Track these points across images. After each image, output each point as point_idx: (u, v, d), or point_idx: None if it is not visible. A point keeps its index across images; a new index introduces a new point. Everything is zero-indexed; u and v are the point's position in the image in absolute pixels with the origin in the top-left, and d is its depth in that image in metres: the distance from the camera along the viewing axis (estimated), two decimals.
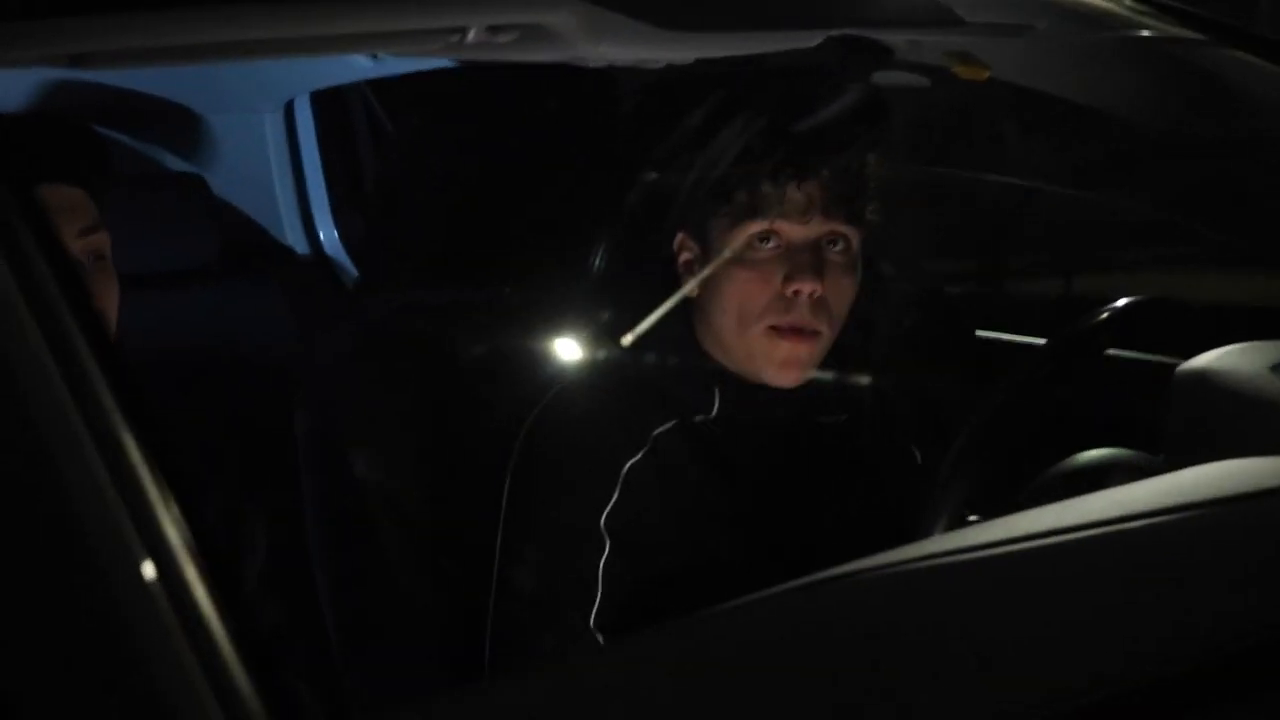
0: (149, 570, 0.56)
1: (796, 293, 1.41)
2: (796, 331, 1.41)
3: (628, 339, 1.50)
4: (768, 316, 1.42)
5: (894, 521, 1.47)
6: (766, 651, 0.78)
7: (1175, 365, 1.24)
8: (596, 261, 1.76)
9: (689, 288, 1.48)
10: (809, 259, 1.41)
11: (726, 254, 1.42)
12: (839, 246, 1.43)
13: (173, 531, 0.57)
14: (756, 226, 1.41)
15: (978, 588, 0.79)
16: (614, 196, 1.71)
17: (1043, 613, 0.78)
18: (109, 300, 1.30)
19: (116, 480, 0.56)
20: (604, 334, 1.55)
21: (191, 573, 0.57)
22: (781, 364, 1.43)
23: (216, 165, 2.27)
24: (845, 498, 1.49)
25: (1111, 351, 1.13)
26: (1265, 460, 0.90)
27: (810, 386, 1.47)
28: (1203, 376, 1.00)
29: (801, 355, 1.43)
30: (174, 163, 2.29)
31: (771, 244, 1.42)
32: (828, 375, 1.49)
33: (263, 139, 2.26)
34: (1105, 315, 1.10)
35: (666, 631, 0.82)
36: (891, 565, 0.84)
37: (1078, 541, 0.80)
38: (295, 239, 2.29)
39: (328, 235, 2.30)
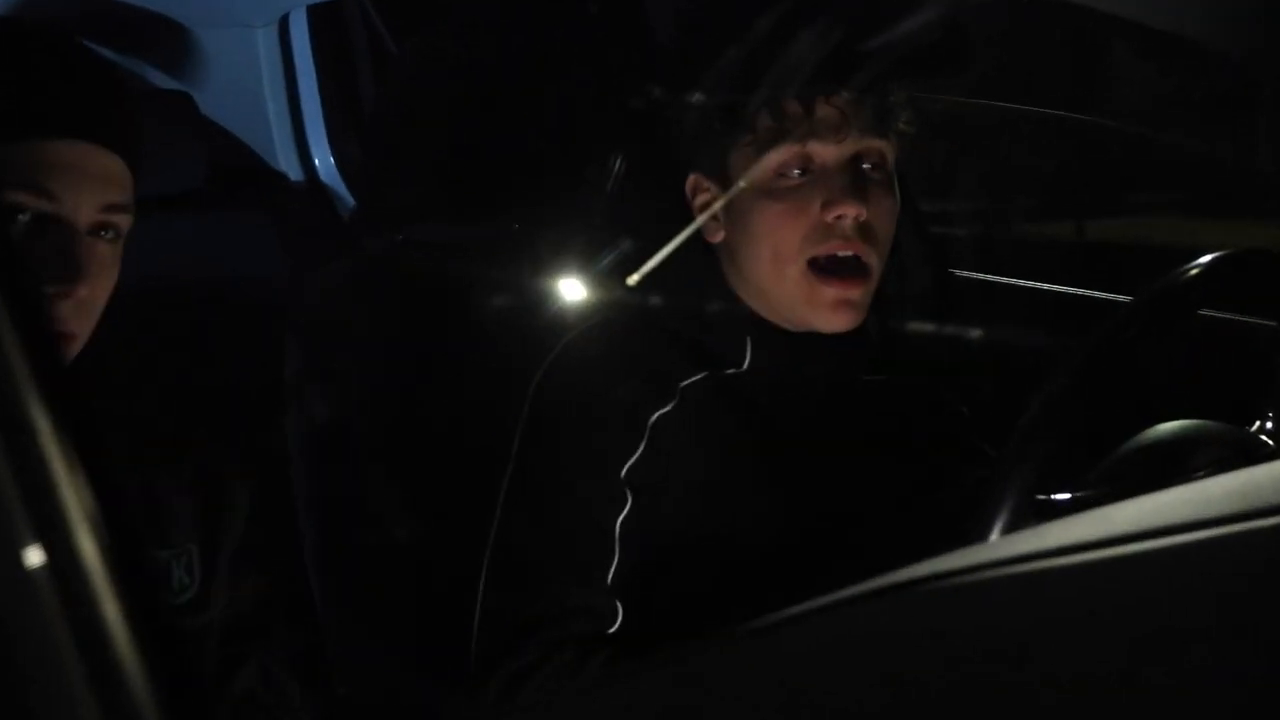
0: (34, 556, 0.44)
1: (839, 218, 1.26)
2: (843, 265, 1.27)
3: (634, 278, 1.37)
4: (806, 249, 1.28)
5: (945, 492, 1.35)
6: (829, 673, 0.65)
7: (1271, 326, 1.11)
8: (615, 198, 1.62)
9: (701, 220, 1.34)
10: (848, 179, 1.27)
11: (742, 184, 1.28)
12: (875, 165, 1.29)
13: (74, 507, 0.44)
14: (788, 152, 1.27)
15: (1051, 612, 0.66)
16: (637, 127, 1.57)
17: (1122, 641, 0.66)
18: (102, 284, 1.12)
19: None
20: (624, 276, 1.41)
21: (90, 556, 0.44)
22: (833, 306, 1.29)
23: (205, 83, 2.11)
24: (891, 465, 1.36)
25: (1203, 311, 1.00)
26: None
27: (851, 338, 1.34)
28: None
29: (854, 295, 1.28)
30: (160, 80, 2.14)
31: (802, 169, 1.28)
32: (867, 324, 1.36)
33: (255, 56, 2.11)
34: (1198, 269, 0.96)
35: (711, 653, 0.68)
36: (957, 574, 0.71)
37: (1162, 552, 0.67)
38: (288, 165, 2.13)
39: (323, 162, 2.14)
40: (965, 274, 1.77)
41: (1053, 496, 0.99)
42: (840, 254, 1.27)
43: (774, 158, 1.28)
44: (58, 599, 0.45)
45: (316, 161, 2.15)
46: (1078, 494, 0.99)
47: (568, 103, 1.78)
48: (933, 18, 1.28)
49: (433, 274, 1.72)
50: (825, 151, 1.27)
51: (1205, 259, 0.97)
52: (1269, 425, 1.07)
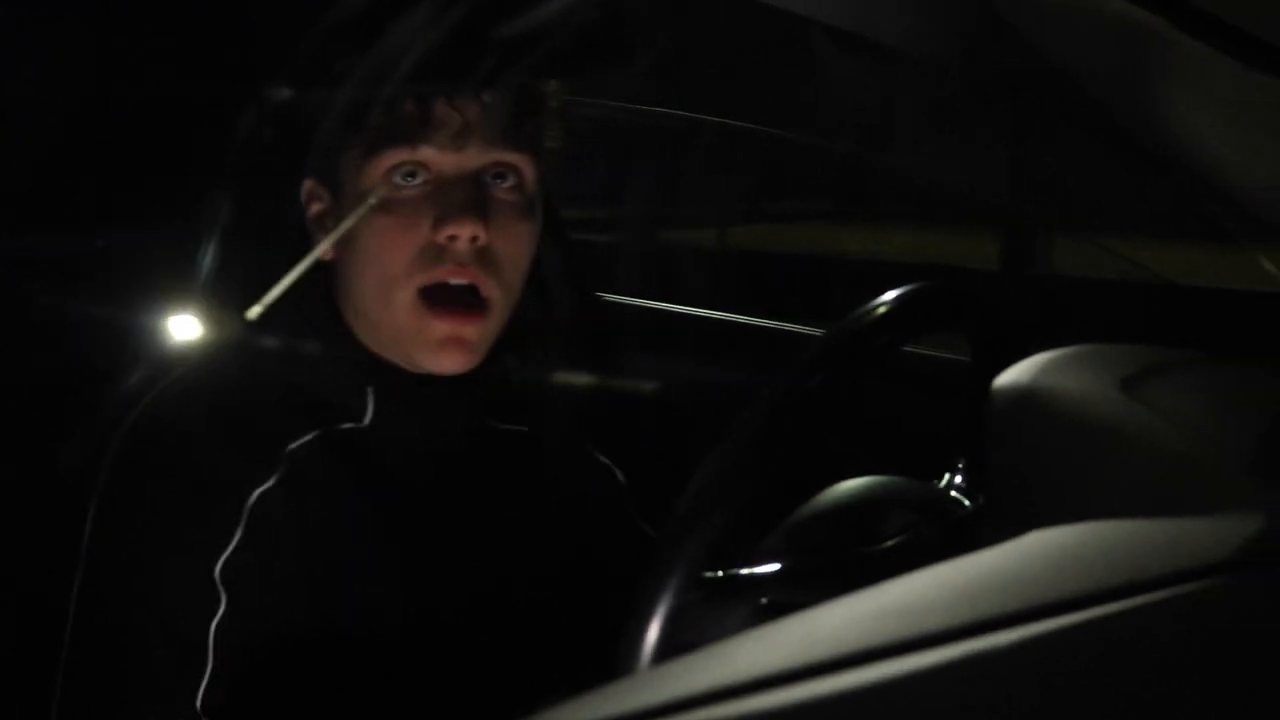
0: None
1: (452, 238, 1.07)
2: (455, 296, 1.08)
3: (253, 312, 1.13)
4: (416, 275, 1.07)
5: (598, 567, 1.18)
6: None
7: (959, 361, 0.99)
8: (221, 211, 1.38)
9: (321, 249, 1.11)
10: (466, 195, 1.07)
11: (372, 201, 1.08)
12: (508, 182, 1.10)
13: None
14: (395, 157, 1.07)
15: None
16: (247, 125, 1.34)
17: None
18: None
19: None
20: (228, 309, 1.18)
21: None
22: (440, 344, 1.09)
23: None
24: (534, 533, 1.17)
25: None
26: (1110, 527, 0.65)
27: (484, 378, 1.14)
28: (1028, 395, 0.73)
29: (467, 332, 1.09)
30: None
31: (419, 180, 1.08)
32: (505, 364, 1.17)
33: None
34: (888, 306, 0.82)
35: None
36: None
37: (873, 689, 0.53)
38: None
39: None
40: (613, 298, 1.60)
41: (721, 573, 0.83)
42: (452, 282, 1.08)
43: (382, 162, 1.08)
44: None
45: None
46: (751, 570, 0.83)
47: (170, 99, 1.53)
48: (585, 6, 1.11)
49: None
50: (442, 160, 1.08)
51: (893, 294, 0.83)
52: (958, 479, 0.95)
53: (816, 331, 1.62)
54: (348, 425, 1.12)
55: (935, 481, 0.95)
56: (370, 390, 1.12)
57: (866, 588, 0.60)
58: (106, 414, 1.21)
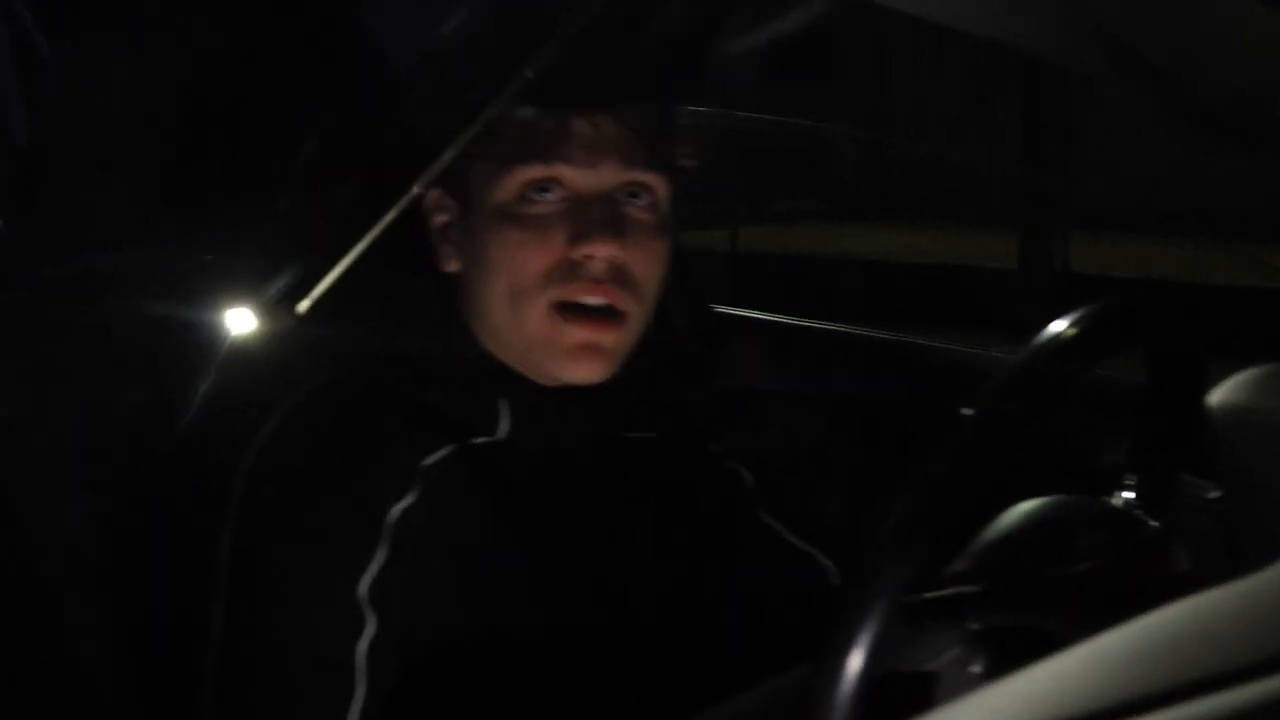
0: None
1: (588, 258, 1.05)
2: (592, 309, 1.06)
3: (304, 305, 1.12)
4: (550, 290, 1.06)
5: (732, 571, 1.16)
6: None
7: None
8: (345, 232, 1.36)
9: (374, 233, 1.08)
10: (603, 213, 1.06)
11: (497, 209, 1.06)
12: (642, 200, 1.09)
13: None
14: (531, 172, 1.06)
15: None
16: (356, 137, 1.33)
17: None
18: None
19: None
20: (354, 323, 1.16)
21: None
22: (575, 352, 1.07)
23: None
24: (668, 540, 1.15)
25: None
26: None
27: (614, 388, 1.13)
28: (1250, 413, 0.71)
29: (603, 341, 1.07)
30: None
31: (552, 195, 1.06)
32: (633, 374, 1.15)
33: None
34: (1080, 326, 0.80)
35: None
36: None
37: None
38: None
39: None
40: (724, 310, 1.59)
41: (913, 598, 0.81)
42: (587, 301, 1.07)
43: (516, 176, 1.06)
44: None
45: None
46: (952, 593, 0.81)
47: (264, 111, 1.52)
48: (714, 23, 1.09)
49: (97, 312, 1.42)
50: (580, 178, 1.06)
51: (1083, 312, 0.81)
52: (1128, 494, 0.93)
53: (917, 341, 1.61)
54: (482, 439, 1.10)
55: (1110, 499, 0.93)
56: (504, 403, 1.10)
57: (1117, 625, 0.57)
58: (220, 432, 1.19)
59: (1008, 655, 0.79)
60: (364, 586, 1.02)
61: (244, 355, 1.26)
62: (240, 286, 1.29)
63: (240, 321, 1.28)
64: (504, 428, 1.11)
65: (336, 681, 1.00)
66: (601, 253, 1.05)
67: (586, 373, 1.09)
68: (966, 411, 0.77)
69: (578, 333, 1.07)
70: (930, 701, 0.78)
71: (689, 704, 1.05)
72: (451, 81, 1.14)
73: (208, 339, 1.30)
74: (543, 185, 1.06)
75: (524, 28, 1.08)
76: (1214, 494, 0.85)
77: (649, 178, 1.09)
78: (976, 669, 0.80)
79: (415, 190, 1.11)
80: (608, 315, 1.07)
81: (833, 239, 9.55)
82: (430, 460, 1.07)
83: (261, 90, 1.58)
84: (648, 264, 1.09)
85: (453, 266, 1.13)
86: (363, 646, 1.01)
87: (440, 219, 1.13)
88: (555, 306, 1.07)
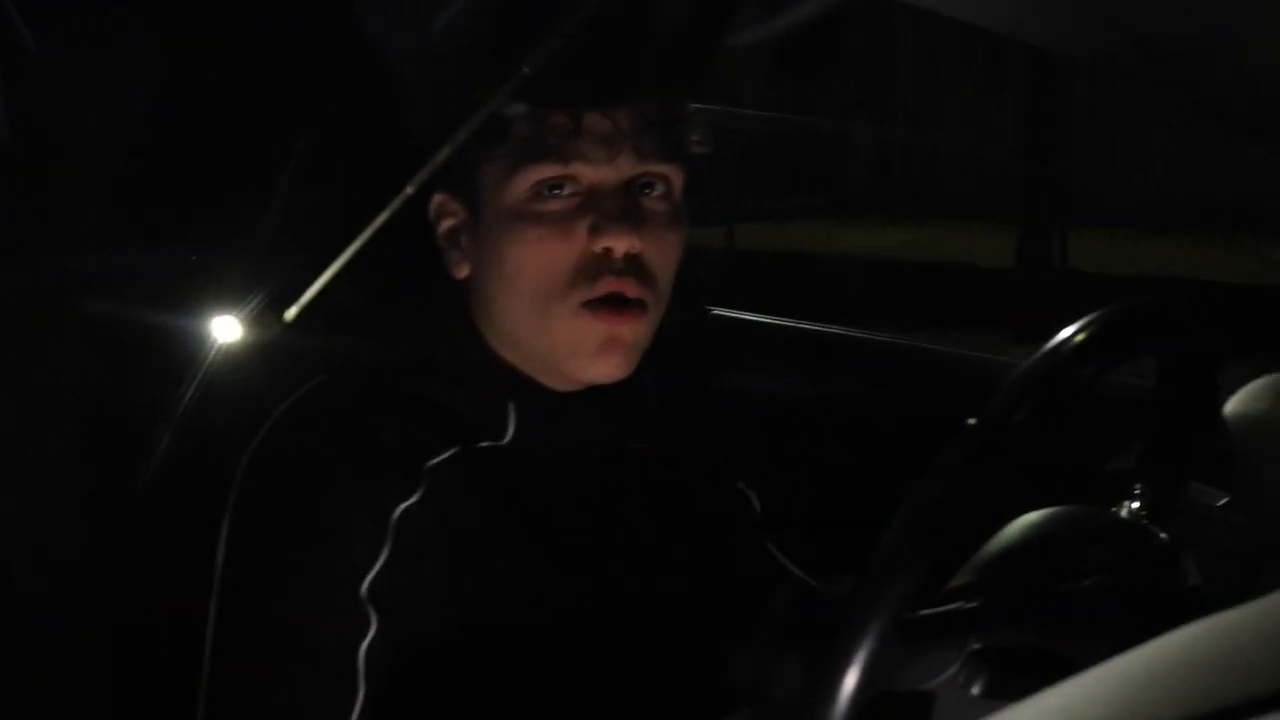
0: None
1: (608, 250, 1.04)
2: (616, 301, 1.05)
3: (291, 313, 1.10)
4: (579, 289, 1.04)
5: (727, 590, 1.14)
6: None
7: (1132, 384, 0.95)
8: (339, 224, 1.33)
9: (364, 238, 1.06)
10: (620, 206, 1.04)
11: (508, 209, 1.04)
12: (657, 191, 1.07)
13: None
14: (545, 170, 1.04)
15: None
16: (357, 141, 1.30)
17: None
18: None
19: None
20: (355, 328, 1.14)
21: None
22: (599, 348, 1.05)
23: None
24: (668, 552, 1.13)
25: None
26: None
27: (622, 394, 1.11)
28: (1259, 421, 0.69)
29: (624, 333, 1.06)
30: None
31: (566, 191, 1.05)
32: (640, 380, 1.13)
33: None
34: (1090, 331, 0.77)
35: None
36: None
37: None
38: None
39: None
40: (722, 312, 1.57)
41: (919, 613, 0.79)
42: (611, 293, 1.05)
43: (529, 175, 1.04)
44: None
45: None
46: (951, 610, 0.79)
47: (259, 109, 1.49)
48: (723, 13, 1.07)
49: (92, 316, 1.39)
50: (595, 173, 1.05)
51: (1092, 318, 0.78)
52: (1134, 505, 0.90)
53: (926, 345, 1.58)
54: (487, 443, 1.08)
55: (1117, 509, 0.90)
56: (512, 407, 1.09)
57: (1124, 643, 0.55)
58: (210, 439, 1.17)
59: (1008, 675, 0.76)
60: (366, 587, 1.00)
61: (231, 362, 1.24)
62: (227, 291, 1.27)
63: (226, 329, 1.25)
64: (511, 431, 1.09)
65: (339, 683, 0.99)
66: (621, 245, 1.04)
67: (609, 369, 1.07)
68: (971, 421, 0.74)
69: (602, 328, 1.05)
70: None
71: (686, 707, 1.03)
72: (447, 80, 1.12)
73: (193, 345, 1.27)
74: (555, 183, 1.05)
75: (521, 24, 1.06)
76: (1225, 503, 0.82)
77: (664, 168, 1.08)
78: (975, 690, 0.77)
79: (408, 191, 1.08)
80: (630, 307, 1.06)
81: (828, 236, 9.54)
82: (435, 461, 1.06)
83: (252, 90, 1.55)
84: (664, 255, 1.08)
85: (463, 272, 1.11)
86: (364, 647, 1.00)
87: (447, 224, 1.11)
88: (584, 305, 1.05)
